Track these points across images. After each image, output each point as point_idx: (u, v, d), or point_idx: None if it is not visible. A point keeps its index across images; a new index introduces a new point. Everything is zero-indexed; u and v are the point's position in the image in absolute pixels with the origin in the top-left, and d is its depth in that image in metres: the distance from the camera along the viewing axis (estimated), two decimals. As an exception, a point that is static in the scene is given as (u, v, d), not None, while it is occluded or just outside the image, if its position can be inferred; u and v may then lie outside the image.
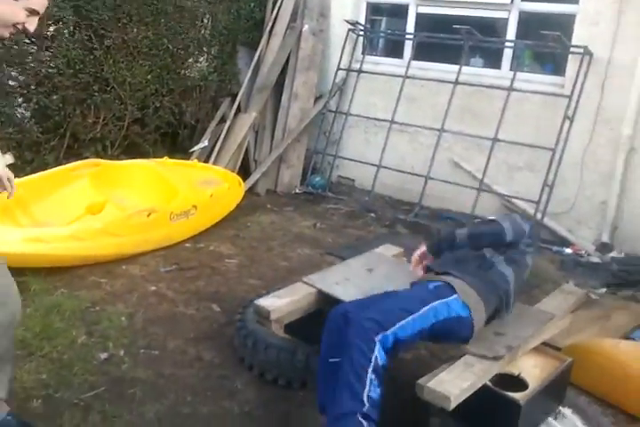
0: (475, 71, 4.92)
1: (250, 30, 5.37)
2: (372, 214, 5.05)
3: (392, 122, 5.12)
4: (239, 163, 5.20)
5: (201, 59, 5.15)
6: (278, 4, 5.32)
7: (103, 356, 2.80)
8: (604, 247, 4.42)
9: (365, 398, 1.85)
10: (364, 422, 1.83)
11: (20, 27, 1.75)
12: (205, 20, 5.02)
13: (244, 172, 5.24)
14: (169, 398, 2.55)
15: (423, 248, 2.52)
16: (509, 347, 2.11)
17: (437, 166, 4.98)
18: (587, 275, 4.06)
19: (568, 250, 4.43)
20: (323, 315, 2.47)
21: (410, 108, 5.15)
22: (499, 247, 2.38)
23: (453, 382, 1.93)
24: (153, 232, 3.83)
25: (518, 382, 2.20)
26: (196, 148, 5.03)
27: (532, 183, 4.52)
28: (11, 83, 3.92)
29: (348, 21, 5.22)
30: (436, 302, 2.09)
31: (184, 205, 4.00)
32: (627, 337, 3.26)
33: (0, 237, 3.21)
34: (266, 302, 2.41)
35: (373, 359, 1.89)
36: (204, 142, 5.06)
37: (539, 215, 4.45)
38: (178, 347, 2.90)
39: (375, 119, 5.31)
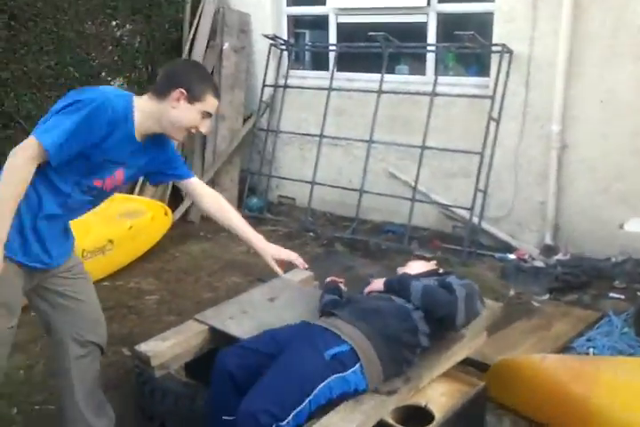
0: (400, 79, 4.79)
1: (167, 52, 5.18)
2: (311, 234, 4.85)
3: (322, 136, 4.95)
4: (169, 190, 4.98)
5: (116, 84, 4.93)
6: (195, 24, 5.15)
7: (-7, 418, 2.56)
8: (548, 250, 4.26)
9: None
10: None
11: (193, 131, 1.94)
12: (113, 46, 4.80)
13: (175, 200, 5.02)
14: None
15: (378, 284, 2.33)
16: (407, 379, 1.91)
17: (374, 178, 4.83)
18: (529, 281, 3.89)
19: (512, 256, 4.26)
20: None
21: (340, 121, 5.00)
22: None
23: (337, 426, 1.71)
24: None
25: (426, 414, 2.00)
26: (120, 178, 4.80)
27: (468, 189, 4.35)
28: None
29: (266, 36, 5.06)
30: (333, 377, 1.87)
31: (98, 241, 3.76)
32: (567, 347, 3.11)
33: None
34: (147, 346, 2.19)
35: None
36: (128, 172, 4.82)
37: (475, 220, 4.28)
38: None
39: (307, 135, 5.14)
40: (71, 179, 1.87)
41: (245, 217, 5.08)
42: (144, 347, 2.20)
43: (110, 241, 3.82)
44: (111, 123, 1.78)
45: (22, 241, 1.85)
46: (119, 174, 1.95)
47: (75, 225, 4.03)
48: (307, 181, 5.03)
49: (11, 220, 1.75)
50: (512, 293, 3.75)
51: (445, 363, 2.10)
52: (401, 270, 2.56)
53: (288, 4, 5.29)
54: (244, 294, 2.63)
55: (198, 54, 5.13)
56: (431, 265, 2.59)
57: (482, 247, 4.39)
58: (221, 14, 5.19)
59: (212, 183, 5.11)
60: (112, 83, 4.91)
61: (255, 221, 5.08)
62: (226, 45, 5.15)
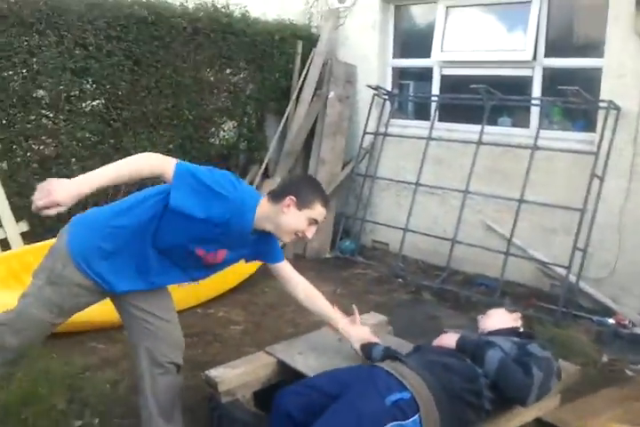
0: (502, 131, 4.76)
1: (276, 99, 5.49)
2: (400, 280, 4.83)
3: (417, 184, 4.99)
4: (265, 228, 5.17)
5: (226, 128, 5.28)
6: (304, 74, 5.43)
7: (77, 424, 2.73)
8: (651, 317, 3.98)
9: None
10: None
11: (300, 235, 2.10)
12: (227, 92, 5.16)
13: (271, 237, 5.20)
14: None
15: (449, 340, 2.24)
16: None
17: (469, 229, 4.77)
18: (626, 348, 3.64)
19: (611, 320, 4.01)
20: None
21: (437, 170, 5.02)
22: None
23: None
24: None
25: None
26: (221, 214, 5.07)
27: (569, 247, 4.17)
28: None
29: (370, 86, 5.24)
30: (392, 424, 1.85)
31: (193, 271, 3.96)
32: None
33: (5, 300, 3.28)
34: (216, 372, 2.28)
35: None
36: (230, 208, 5.09)
37: (572, 279, 4.09)
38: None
39: (404, 182, 5.19)
40: (177, 238, 2.03)
41: (337, 259, 5.22)
42: (213, 373, 2.29)
43: (204, 272, 4.01)
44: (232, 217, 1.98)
45: (95, 258, 2.04)
46: (221, 254, 2.12)
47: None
48: (400, 228, 5.05)
49: (102, 182, 1.85)
50: (605, 359, 3.51)
51: (509, 423, 2.00)
52: (480, 320, 2.50)
53: (394, 57, 5.47)
54: (315, 332, 2.67)
55: (305, 102, 5.39)
56: (514, 319, 2.51)
57: (579, 309, 4.17)
58: (329, 65, 5.45)
59: (307, 224, 5.26)
60: (223, 126, 5.26)
61: (347, 263, 5.17)
62: (331, 94, 5.38)
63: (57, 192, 1.74)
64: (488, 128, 4.66)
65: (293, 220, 2.04)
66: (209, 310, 4.07)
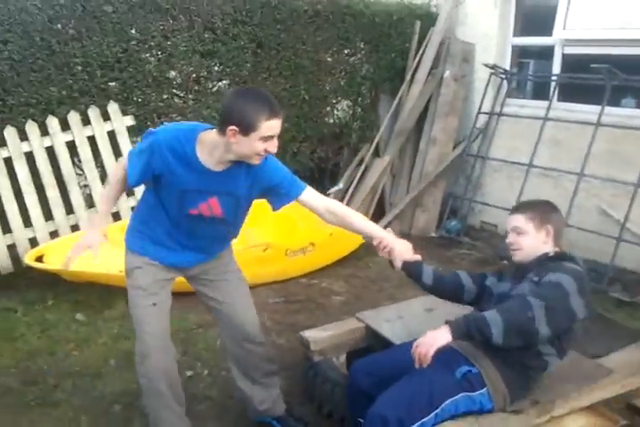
0: (625, 112, 4.54)
1: (391, 79, 5.56)
2: (505, 262, 4.79)
3: (530, 166, 4.89)
4: (373, 205, 5.34)
5: (340, 107, 5.45)
6: (420, 53, 5.46)
7: (188, 373, 3.08)
8: None
9: None
10: None
11: (263, 154, 2.01)
12: (342, 73, 5.32)
13: (379, 214, 5.36)
14: (231, 417, 2.72)
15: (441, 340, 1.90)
16: (535, 401, 1.92)
17: (582, 213, 4.63)
18: None
19: None
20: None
21: (552, 152, 4.89)
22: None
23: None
24: (268, 266, 4.09)
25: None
26: (332, 190, 5.29)
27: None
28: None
29: (486, 65, 5.17)
30: (461, 395, 1.93)
31: (301, 242, 4.22)
32: None
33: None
34: (309, 333, 2.49)
35: None
36: (339, 185, 5.30)
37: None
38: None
39: (517, 163, 5.10)
40: (173, 206, 2.17)
41: (442, 238, 5.26)
42: (307, 333, 2.51)
43: (312, 244, 4.26)
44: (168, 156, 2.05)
45: (146, 241, 2.26)
46: (213, 204, 2.14)
47: (283, 226, 4.54)
48: (510, 209, 4.98)
49: (105, 214, 2.37)
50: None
51: (586, 396, 2.04)
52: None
53: (514, 35, 5.34)
54: (404, 302, 2.81)
55: (419, 82, 5.43)
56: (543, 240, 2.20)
57: (697, 301, 3.95)
58: (446, 44, 5.43)
59: (415, 203, 5.36)
60: (337, 105, 5.44)
61: (451, 243, 5.21)
62: (447, 73, 5.37)
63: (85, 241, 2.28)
64: (609, 109, 4.46)
65: (246, 147, 1.95)
66: (313, 280, 4.32)
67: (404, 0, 5.69)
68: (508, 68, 5.35)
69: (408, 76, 5.47)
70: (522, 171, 5.06)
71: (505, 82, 5.32)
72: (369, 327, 2.51)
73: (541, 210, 2.21)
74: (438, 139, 5.37)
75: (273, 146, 2.00)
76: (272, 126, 1.95)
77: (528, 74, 5.57)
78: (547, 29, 4.98)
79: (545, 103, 4.98)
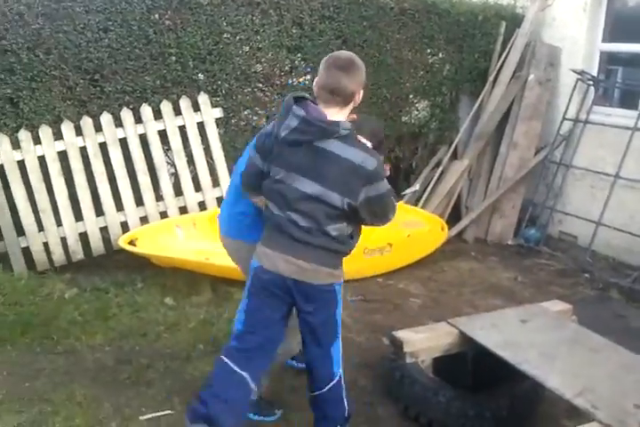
0: None
1: (472, 80, 5.46)
2: (587, 275, 4.64)
3: (617, 177, 4.71)
4: (449, 208, 5.24)
5: (420, 107, 5.38)
6: (504, 55, 5.33)
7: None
8: None
9: None
10: None
11: None
12: (424, 72, 5.24)
13: (455, 218, 5.26)
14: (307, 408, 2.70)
15: None
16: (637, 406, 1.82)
17: (674, 229, 4.43)
18: None
19: None
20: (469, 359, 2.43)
21: (641, 163, 4.70)
22: None
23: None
24: (346, 264, 4.04)
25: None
26: (407, 191, 5.21)
27: None
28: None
29: (574, 71, 5.01)
30: None
31: (379, 242, 4.17)
32: None
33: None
34: (402, 334, 2.46)
35: None
36: (416, 186, 5.22)
37: None
38: (338, 367, 3.04)
39: (602, 173, 4.93)
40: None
41: (520, 246, 5.13)
42: (400, 334, 2.47)
43: (389, 244, 4.21)
44: None
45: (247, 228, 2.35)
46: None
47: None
48: (593, 221, 4.83)
49: None
50: None
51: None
52: None
53: (603, 40, 5.16)
54: (497, 311, 2.74)
55: (502, 84, 5.30)
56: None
57: None
58: (532, 47, 5.29)
59: (493, 208, 5.23)
60: (417, 105, 5.37)
61: (529, 252, 5.07)
62: (531, 77, 5.23)
63: None
64: None
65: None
66: (389, 281, 4.27)
67: (489, 0, 5.58)
68: (595, 74, 5.18)
69: (491, 78, 5.36)
70: (606, 181, 4.89)
71: (592, 88, 5.15)
72: (463, 333, 2.44)
73: None
74: (520, 143, 5.24)
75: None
76: None
77: (616, 81, 5.38)
78: (637, 36, 4.80)
79: (634, 113, 4.79)
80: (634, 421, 1.87)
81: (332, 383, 2.27)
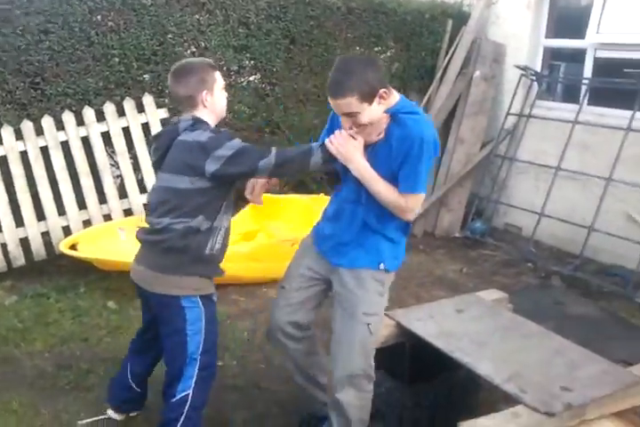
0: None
1: (420, 77, 5.57)
2: (530, 264, 4.81)
3: (558, 169, 4.88)
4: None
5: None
6: (451, 52, 5.45)
7: (219, 363, 3.12)
8: None
9: None
10: None
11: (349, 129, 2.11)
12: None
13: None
14: (259, 406, 2.78)
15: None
16: (568, 405, 1.94)
17: (609, 218, 4.62)
18: None
19: None
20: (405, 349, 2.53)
21: (581, 156, 4.87)
22: None
23: (490, 432, 1.84)
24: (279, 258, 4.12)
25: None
26: (357, 187, 5.29)
27: None
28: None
29: (518, 66, 5.16)
30: None
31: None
32: None
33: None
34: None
35: None
36: (365, 183, 5.30)
37: None
38: (283, 364, 3.11)
39: (544, 166, 5.10)
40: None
41: (466, 239, 5.26)
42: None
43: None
44: None
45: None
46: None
47: (311, 223, 4.56)
48: (536, 212, 5.00)
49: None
50: None
51: (616, 403, 2.05)
52: None
53: (547, 37, 5.32)
54: (434, 302, 2.83)
55: (448, 81, 5.43)
56: None
57: None
58: (477, 44, 5.42)
59: (440, 203, 5.37)
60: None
61: (475, 244, 5.21)
62: (477, 74, 5.37)
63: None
64: (640, 114, 4.44)
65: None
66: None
67: (436, -1, 5.70)
68: (538, 69, 5.34)
69: (438, 75, 5.48)
70: (549, 174, 5.06)
71: (535, 84, 5.31)
72: (400, 325, 2.54)
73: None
74: (466, 139, 5.37)
75: (351, 123, 2.02)
76: (334, 105, 2.01)
77: (559, 76, 5.56)
78: (579, 32, 4.96)
79: (575, 107, 4.96)
80: (559, 402, 1.96)
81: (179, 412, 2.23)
